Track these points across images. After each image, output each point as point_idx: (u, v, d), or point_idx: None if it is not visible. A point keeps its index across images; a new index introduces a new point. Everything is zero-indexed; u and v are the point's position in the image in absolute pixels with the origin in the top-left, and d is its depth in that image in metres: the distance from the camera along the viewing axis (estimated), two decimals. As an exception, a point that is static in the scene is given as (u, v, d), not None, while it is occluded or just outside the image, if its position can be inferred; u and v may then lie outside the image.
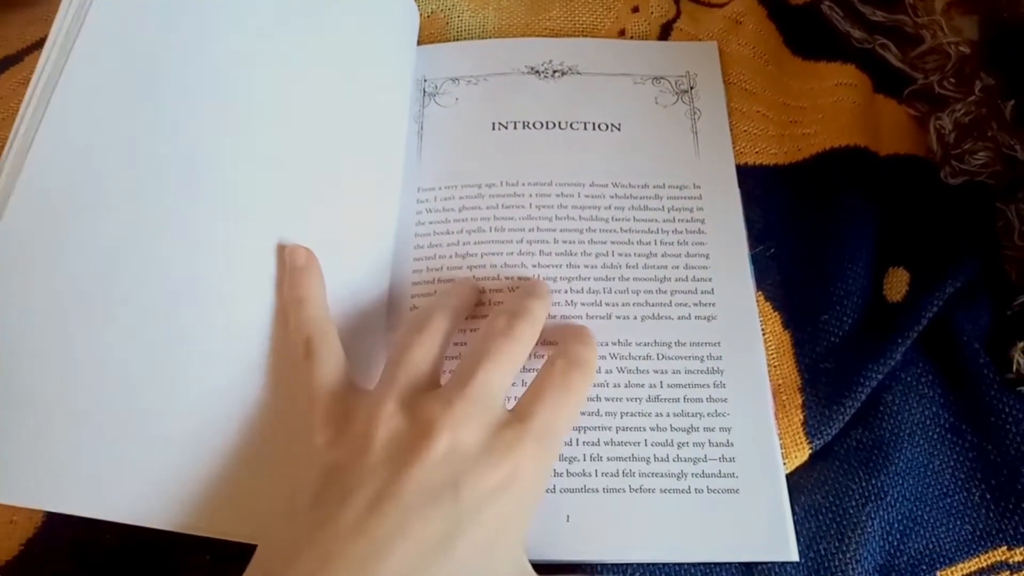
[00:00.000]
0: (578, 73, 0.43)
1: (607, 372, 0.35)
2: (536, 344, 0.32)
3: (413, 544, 0.24)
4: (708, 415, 0.34)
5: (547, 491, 0.32)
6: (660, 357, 0.35)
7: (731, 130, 0.41)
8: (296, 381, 0.30)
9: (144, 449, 0.29)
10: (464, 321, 0.34)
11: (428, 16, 0.45)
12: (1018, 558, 0.32)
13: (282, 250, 0.32)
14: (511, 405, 0.29)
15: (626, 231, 0.38)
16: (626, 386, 0.34)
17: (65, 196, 0.30)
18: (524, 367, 0.32)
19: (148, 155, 0.32)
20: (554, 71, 0.43)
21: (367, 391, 0.30)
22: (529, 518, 0.28)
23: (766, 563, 0.32)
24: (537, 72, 0.42)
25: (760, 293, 0.37)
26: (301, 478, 0.27)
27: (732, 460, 0.33)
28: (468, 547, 0.25)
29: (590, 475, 0.33)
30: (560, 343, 0.32)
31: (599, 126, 0.41)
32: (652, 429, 0.33)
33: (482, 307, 0.36)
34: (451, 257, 0.37)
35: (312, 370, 0.30)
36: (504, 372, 0.29)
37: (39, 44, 0.43)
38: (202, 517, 0.29)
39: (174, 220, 0.31)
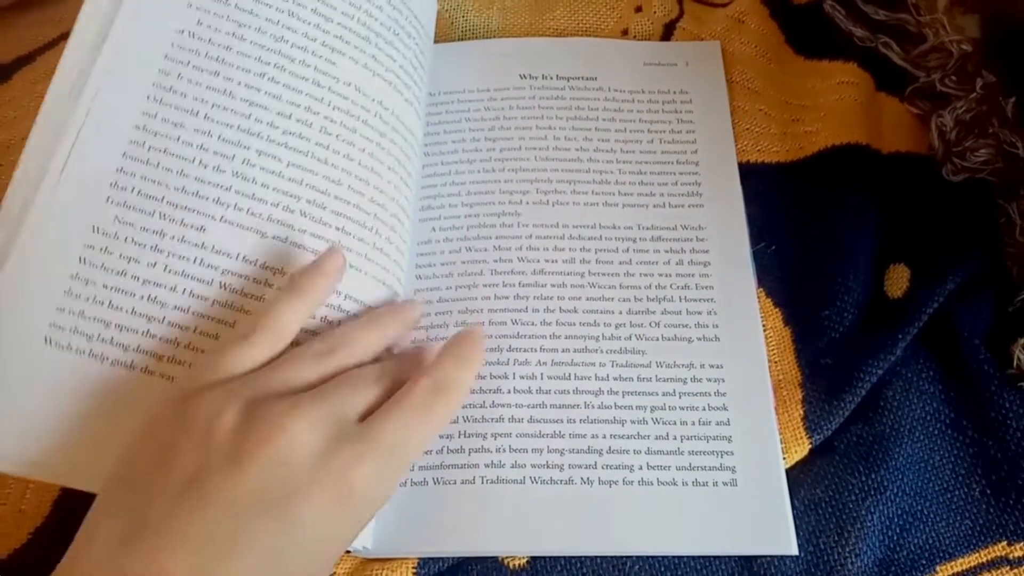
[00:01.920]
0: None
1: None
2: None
3: (248, 555, 0.24)
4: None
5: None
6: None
7: (733, 128, 0.42)
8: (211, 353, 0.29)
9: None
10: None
11: (433, 16, 0.45)
12: (1018, 553, 0.32)
13: (328, 250, 0.31)
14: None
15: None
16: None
17: None
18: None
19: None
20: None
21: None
22: (358, 531, 0.27)
23: (765, 557, 0.32)
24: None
25: (761, 289, 0.37)
26: (146, 459, 0.26)
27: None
28: (296, 560, 0.25)
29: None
30: (437, 357, 0.30)
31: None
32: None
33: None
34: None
35: (237, 350, 0.28)
36: (364, 394, 0.28)
37: (51, 44, 0.44)
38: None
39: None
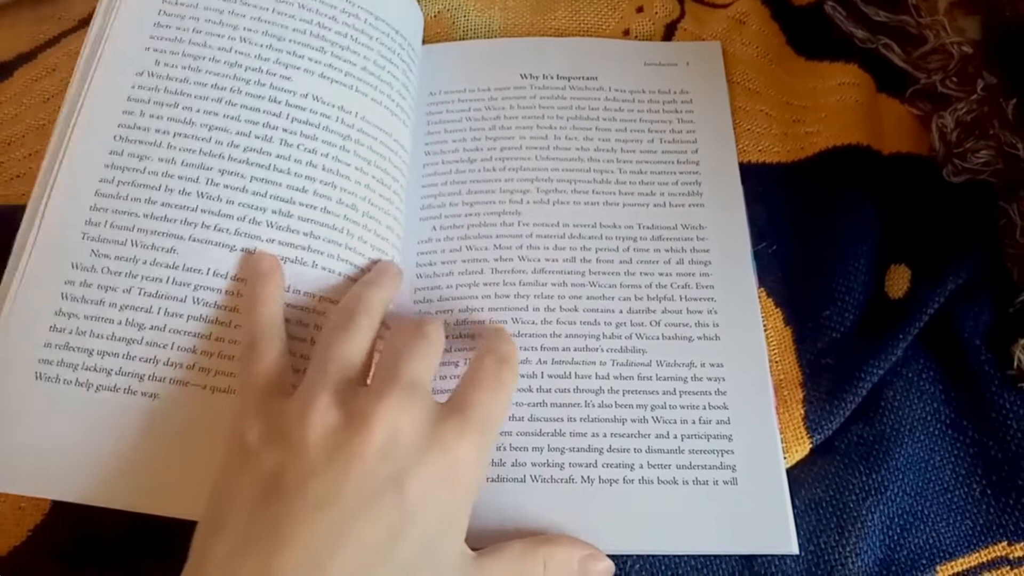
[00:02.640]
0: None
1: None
2: (456, 338, 0.34)
3: (358, 548, 0.24)
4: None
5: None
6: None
7: (734, 129, 0.42)
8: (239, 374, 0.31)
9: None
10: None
11: (435, 16, 0.45)
12: (1018, 553, 0.32)
13: (249, 256, 0.32)
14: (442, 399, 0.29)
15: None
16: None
17: None
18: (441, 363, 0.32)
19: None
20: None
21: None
22: (469, 507, 0.28)
23: (766, 556, 0.32)
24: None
25: (762, 289, 0.37)
26: (235, 481, 0.26)
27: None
28: (414, 543, 0.25)
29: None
30: (485, 341, 0.32)
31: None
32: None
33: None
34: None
35: (249, 364, 0.29)
36: (426, 366, 0.29)
37: (52, 42, 0.44)
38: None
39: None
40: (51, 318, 0.31)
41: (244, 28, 0.36)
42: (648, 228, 0.38)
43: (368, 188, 0.36)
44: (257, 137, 0.34)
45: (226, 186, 0.33)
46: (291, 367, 0.31)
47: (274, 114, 0.35)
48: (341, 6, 0.38)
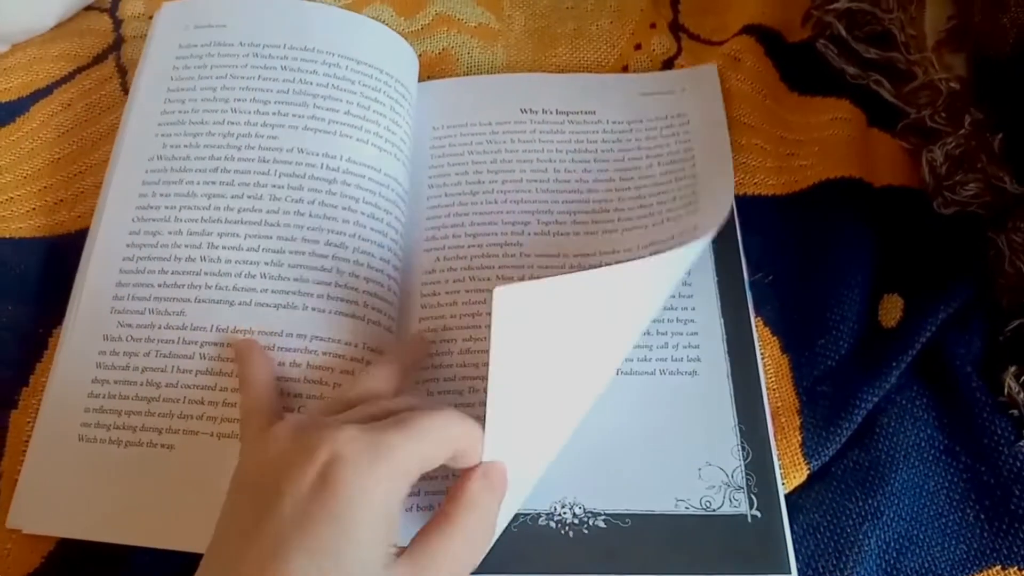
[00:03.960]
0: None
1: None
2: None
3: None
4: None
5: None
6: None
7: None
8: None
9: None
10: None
11: (439, 53, 0.47)
12: (1012, 577, 0.33)
13: (234, 343, 0.35)
14: None
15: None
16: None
17: None
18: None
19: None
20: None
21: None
22: None
23: (765, 580, 0.33)
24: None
25: (759, 319, 0.38)
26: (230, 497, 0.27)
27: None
28: None
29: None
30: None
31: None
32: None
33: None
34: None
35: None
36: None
37: (67, 78, 0.45)
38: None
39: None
40: (89, 386, 0.34)
41: (234, 99, 0.40)
42: (646, 247, 0.39)
43: (358, 224, 0.38)
44: (249, 197, 0.37)
45: (224, 247, 0.36)
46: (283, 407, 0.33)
47: (262, 172, 0.38)
48: (321, 59, 0.41)
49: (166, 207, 0.37)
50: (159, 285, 0.36)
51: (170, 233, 0.37)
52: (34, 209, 0.41)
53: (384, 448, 0.25)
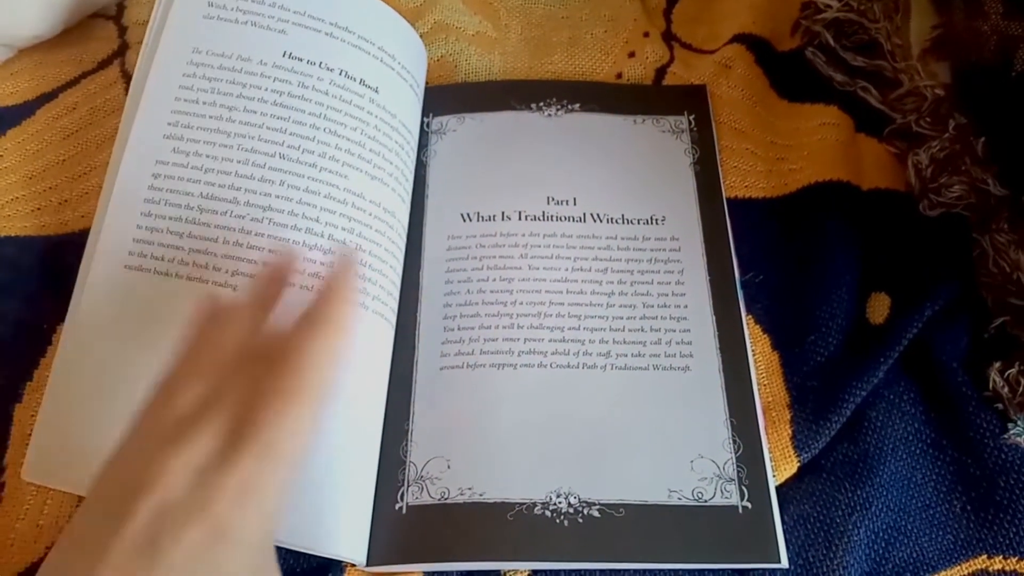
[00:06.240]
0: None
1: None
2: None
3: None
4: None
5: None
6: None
7: (721, 166, 0.44)
8: None
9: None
10: None
11: (437, 60, 0.47)
12: (997, 566, 0.33)
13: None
14: None
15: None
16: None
17: None
18: None
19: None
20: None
21: None
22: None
23: (757, 570, 0.33)
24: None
25: (750, 316, 0.39)
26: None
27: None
28: None
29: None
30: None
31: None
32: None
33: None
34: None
35: None
36: None
37: (72, 83, 0.46)
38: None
39: None
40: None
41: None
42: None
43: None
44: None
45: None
46: None
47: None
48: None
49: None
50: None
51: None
52: (39, 209, 0.42)
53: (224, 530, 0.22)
